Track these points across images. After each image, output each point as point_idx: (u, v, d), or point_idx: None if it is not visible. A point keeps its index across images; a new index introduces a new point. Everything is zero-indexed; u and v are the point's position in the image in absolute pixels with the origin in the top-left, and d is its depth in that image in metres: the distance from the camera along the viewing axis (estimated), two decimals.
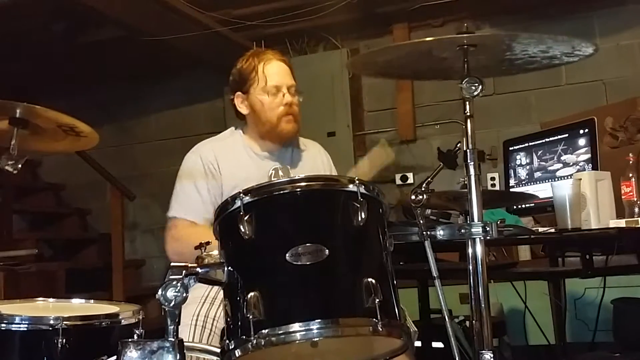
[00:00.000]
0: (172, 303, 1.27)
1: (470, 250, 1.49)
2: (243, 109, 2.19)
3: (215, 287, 1.94)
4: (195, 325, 1.89)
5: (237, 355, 1.29)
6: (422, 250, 1.61)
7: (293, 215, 1.38)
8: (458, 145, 1.99)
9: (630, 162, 2.34)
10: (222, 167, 2.12)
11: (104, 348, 1.46)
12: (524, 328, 3.48)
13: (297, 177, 1.40)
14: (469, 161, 1.53)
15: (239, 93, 2.18)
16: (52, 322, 1.48)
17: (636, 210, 2.23)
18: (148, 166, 5.50)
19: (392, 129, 5.05)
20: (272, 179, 2.10)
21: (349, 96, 5.02)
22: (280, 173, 2.14)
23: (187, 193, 2.11)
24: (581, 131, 2.53)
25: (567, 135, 2.59)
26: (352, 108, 5.05)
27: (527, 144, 2.75)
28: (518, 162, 2.76)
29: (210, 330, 1.90)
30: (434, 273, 1.60)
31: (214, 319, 1.91)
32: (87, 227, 5.79)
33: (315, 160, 2.27)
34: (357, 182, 1.37)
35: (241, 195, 1.35)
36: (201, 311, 1.92)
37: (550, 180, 2.54)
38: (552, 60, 1.60)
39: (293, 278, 1.31)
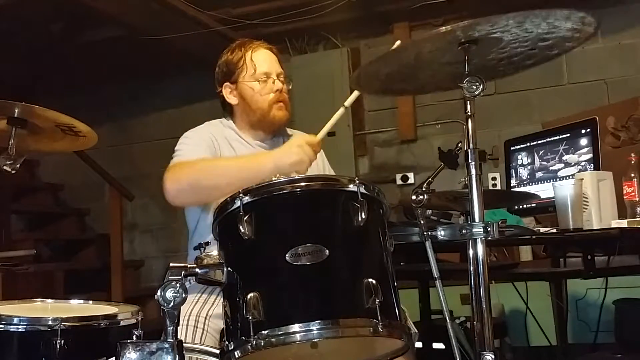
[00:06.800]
0: (171, 304, 1.27)
1: (471, 251, 1.48)
2: (232, 99, 2.17)
3: (208, 290, 1.94)
4: (187, 325, 1.87)
5: (236, 356, 1.28)
6: (422, 250, 1.60)
7: (293, 215, 1.37)
8: (459, 145, 1.99)
9: (632, 162, 2.34)
10: (221, 148, 2.08)
11: (102, 349, 1.45)
12: (526, 329, 3.48)
13: (297, 177, 1.39)
14: (470, 161, 1.51)
15: (227, 83, 2.17)
16: (50, 323, 1.47)
17: (638, 210, 2.23)
18: (147, 166, 5.48)
19: (393, 128, 5.04)
20: None
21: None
22: None
23: (187, 147, 2.04)
24: (583, 131, 2.52)
25: (568, 135, 2.58)
26: (353, 107, 5.01)
27: (528, 144, 2.74)
28: (519, 162, 2.75)
29: (203, 329, 1.88)
30: (435, 274, 1.59)
31: (206, 318, 1.89)
32: (85, 227, 5.79)
33: None
34: (357, 182, 1.36)
35: (241, 195, 1.34)
36: (193, 311, 1.91)
37: (551, 180, 2.53)
38: (552, 50, 1.57)
39: (293, 278, 1.30)
